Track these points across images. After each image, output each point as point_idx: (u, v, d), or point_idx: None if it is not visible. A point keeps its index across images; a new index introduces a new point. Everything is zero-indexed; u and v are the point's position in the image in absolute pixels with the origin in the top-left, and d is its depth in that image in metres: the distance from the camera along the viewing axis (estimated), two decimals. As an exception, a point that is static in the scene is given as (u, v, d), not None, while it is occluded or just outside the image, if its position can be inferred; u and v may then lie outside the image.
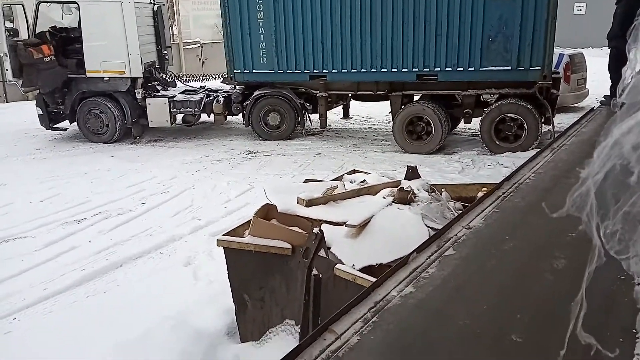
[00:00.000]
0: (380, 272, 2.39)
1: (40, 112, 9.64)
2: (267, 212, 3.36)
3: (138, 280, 4.45)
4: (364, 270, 2.68)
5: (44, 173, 7.77)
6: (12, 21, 9.42)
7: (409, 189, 3.23)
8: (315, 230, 2.82)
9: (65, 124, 9.95)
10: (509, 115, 7.87)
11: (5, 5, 9.38)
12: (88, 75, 9.30)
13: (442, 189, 3.49)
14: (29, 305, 4.11)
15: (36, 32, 9.34)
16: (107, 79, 9.33)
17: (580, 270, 1.32)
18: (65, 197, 6.65)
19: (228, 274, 3.37)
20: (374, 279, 2.22)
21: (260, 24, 8.82)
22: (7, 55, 9.08)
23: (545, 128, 8.02)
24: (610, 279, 1.92)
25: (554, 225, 2.49)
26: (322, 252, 2.82)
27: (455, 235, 2.44)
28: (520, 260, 2.25)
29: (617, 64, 6.88)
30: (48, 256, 4.97)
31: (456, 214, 2.94)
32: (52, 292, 4.30)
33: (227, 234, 3.33)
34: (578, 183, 1.18)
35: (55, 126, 9.88)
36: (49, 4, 9.50)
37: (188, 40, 18.29)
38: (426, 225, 2.89)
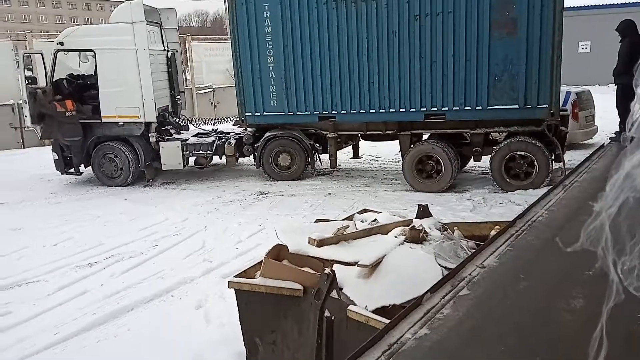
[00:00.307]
0: (394, 313, 2.36)
1: (56, 157, 9.84)
2: (279, 252, 3.35)
3: (149, 324, 4.41)
4: (377, 311, 2.65)
5: (58, 217, 7.85)
6: (30, 69, 9.75)
7: (420, 228, 3.21)
8: (327, 270, 2.80)
9: (79, 168, 10.12)
10: (518, 152, 7.87)
11: (25, 54, 9.76)
12: (103, 120, 9.53)
13: (455, 228, 3.48)
14: (39, 351, 4.08)
15: (54, 80, 9.66)
16: (122, 123, 9.55)
17: (599, 309, 1.29)
18: (78, 240, 6.70)
19: (239, 316, 3.33)
20: (387, 321, 2.19)
21: (271, 68, 9.05)
22: (26, 102, 9.38)
23: (556, 165, 8.00)
24: (630, 317, 1.87)
25: (570, 263, 2.45)
26: (334, 293, 2.79)
27: (470, 274, 2.41)
28: (536, 300, 2.21)
29: (624, 100, 6.94)
30: (60, 300, 4.96)
31: (469, 253, 2.91)
32: (63, 336, 4.26)
33: (238, 275, 3.32)
34: (592, 217, 1.17)
35: (70, 170, 10.06)
36: (66, 52, 9.84)
37: (201, 85, 18.77)
38: (439, 264, 2.86)
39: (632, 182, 1.14)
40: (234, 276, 3.31)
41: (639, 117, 1.33)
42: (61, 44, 9.55)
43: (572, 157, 9.16)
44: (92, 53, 9.58)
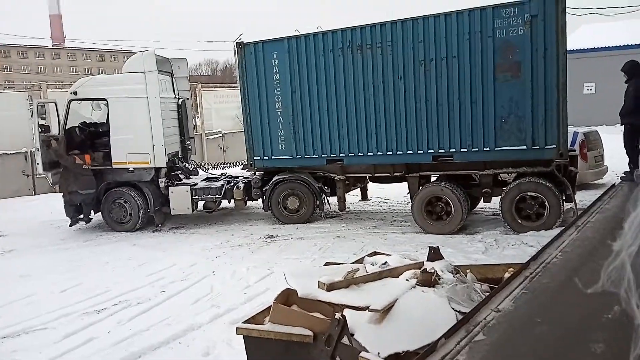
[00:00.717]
0: (408, 359, 2.28)
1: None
2: (288, 297, 3.30)
3: (156, 373, 4.30)
4: (390, 358, 2.57)
5: (67, 263, 7.84)
6: (44, 118, 9.99)
7: (432, 271, 3.15)
8: (338, 315, 2.74)
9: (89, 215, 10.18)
10: (529, 193, 7.82)
11: (39, 104, 10.03)
12: (114, 166, 9.66)
13: (467, 270, 3.41)
14: (44, 402, 3.97)
15: (67, 128, 9.88)
16: (132, 169, 9.67)
17: (622, 355, 1.24)
18: (86, 287, 6.65)
19: (248, 364, 3.24)
20: (401, 368, 2.12)
21: (279, 113, 9.21)
22: (38, 150, 9.57)
23: (567, 205, 7.92)
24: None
25: (588, 306, 2.38)
26: (345, 340, 2.72)
27: (484, 319, 2.34)
28: (555, 345, 2.13)
29: (632, 139, 6.93)
30: (67, 348, 4.87)
31: (483, 296, 2.84)
32: (68, 387, 4.17)
33: (247, 321, 3.26)
34: (612, 256, 1.13)
35: (79, 217, 10.10)
36: (79, 101, 10.10)
37: (210, 131, 19.08)
38: (453, 308, 2.79)
39: None
40: (243, 322, 3.25)
41: None
42: (75, 93, 9.82)
43: (583, 198, 9.06)
44: (104, 102, 9.82)
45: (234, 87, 19.04)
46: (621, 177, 7.12)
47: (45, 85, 17.21)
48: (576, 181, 8.30)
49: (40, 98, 14.37)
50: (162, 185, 9.81)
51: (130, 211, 9.75)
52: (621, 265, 1.09)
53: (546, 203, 7.71)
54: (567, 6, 7.19)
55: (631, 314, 1.12)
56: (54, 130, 10.13)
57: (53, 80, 52.59)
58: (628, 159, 7.02)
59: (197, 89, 18.66)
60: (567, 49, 7.32)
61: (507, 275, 3.08)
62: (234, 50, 9.43)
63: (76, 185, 9.41)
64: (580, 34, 25.26)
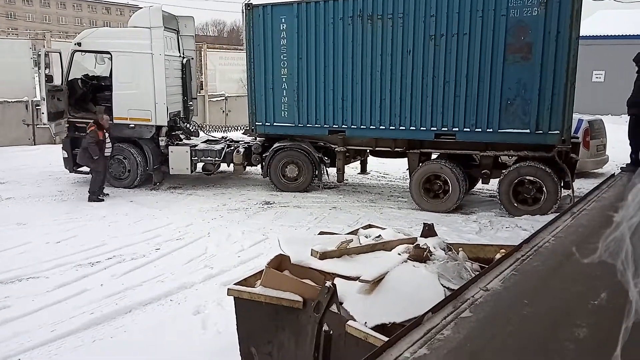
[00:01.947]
0: (394, 331, 2.32)
1: (66, 155, 9.90)
2: (280, 262, 3.33)
3: (146, 328, 4.38)
4: (376, 328, 2.61)
5: (64, 215, 7.88)
6: (47, 67, 9.87)
7: (425, 247, 3.18)
8: (328, 284, 2.77)
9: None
10: (527, 177, 7.82)
11: (45, 52, 9.90)
12: (115, 121, 9.60)
13: (459, 249, 3.44)
14: (35, 347, 4.06)
15: (69, 79, 9.78)
16: (133, 125, 9.61)
17: (604, 340, 1.25)
18: (81, 239, 6.71)
19: (237, 325, 3.30)
20: (386, 339, 2.15)
21: (284, 80, 9.10)
22: (44, 100, 9.50)
23: (564, 192, 7.93)
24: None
25: (575, 292, 2.41)
26: (334, 307, 2.76)
27: (472, 296, 2.37)
28: (539, 327, 2.16)
29: (636, 130, 6.88)
30: (59, 298, 4.95)
31: (473, 275, 2.87)
32: (59, 334, 4.25)
33: (239, 283, 3.30)
34: (612, 227, 1.10)
35: (78, 169, 10.11)
36: (83, 53, 9.96)
37: (213, 93, 18.90)
38: (442, 284, 2.82)
39: None
40: (234, 284, 3.29)
41: None
42: (79, 44, 9.68)
43: (582, 185, 9.08)
44: (108, 55, 9.70)
45: (240, 49, 18.76)
46: (621, 168, 7.10)
47: (49, 34, 16.96)
48: (576, 169, 8.29)
49: (44, 47, 14.19)
50: (162, 144, 9.78)
51: (129, 167, 9.74)
52: (621, 237, 1.07)
53: (544, 188, 7.72)
54: (584, -10, 7.05)
55: (626, 286, 1.11)
56: (57, 81, 10.03)
57: (57, 30, 51.77)
58: (630, 150, 6.98)
59: (202, 49, 18.39)
60: (580, 34, 7.20)
61: (498, 256, 3.10)
62: (242, 11, 9.26)
63: (95, 157, 8.83)
64: (595, 20, 24.78)
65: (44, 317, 4.55)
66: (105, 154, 9.03)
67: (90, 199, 8.82)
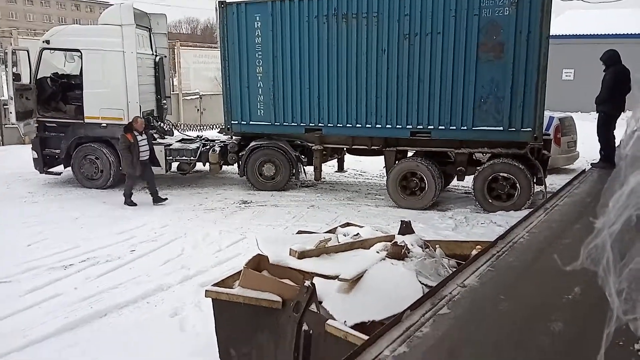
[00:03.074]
0: (373, 329, 2.33)
1: (36, 156, 9.66)
2: (259, 263, 3.31)
3: (122, 331, 4.31)
4: (356, 327, 2.62)
5: (34, 217, 7.68)
6: (15, 65, 9.61)
7: (402, 244, 3.20)
8: (307, 283, 2.77)
9: (59, 168, 9.96)
10: (501, 174, 7.96)
11: (12, 51, 9.62)
12: (86, 121, 9.41)
13: (436, 245, 3.48)
14: (6, 354, 3.94)
15: (37, 78, 9.53)
16: (105, 125, 9.43)
17: (578, 334, 1.28)
18: (53, 242, 6.55)
19: (215, 326, 3.27)
20: (366, 337, 2.17)
21: (259, 78, 9.05)
22: (11, 99, 9.26)
23: (537, 188, 8.10)
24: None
25: (550, 287, 2.46)
26: (313, 307, 2.76)
27: (450, 293, 2.40)
28: (516, 322, 2.20)
29: (605, 127, 7.07)
30: (31, 302, 4.82)
31: (450, 271, 2.91)
32: (32, 340, 4.14)
33: (217, 284, 3.27)
34: (593, 234, 1.11)
35: (49, 170, 9.88)
36: (52, 51, 9.71)
37: (188, 91, 18.67)
38: (420, 282, 2.85)
39: (638, 198, 1.09)
40: (212, 285, 3.26)
41: (635, 135, 1.29)
42: (47, 42, 9.45)
43: (554, 181, 9.29)
44: (78, 53, 9.48)
45: (214, 47, 18.56)
46: (592, 164, 7.29)
47: (16, 32, 16.48)
48: (548, 165, 8.48)
49: (11, 45, 13.77)
50: (135, 143, 9.60)
51: (101, 168, 9.55)
52: (602, 244, 1.09)
53: (517, 184, 7.87)
54: (553, -10, 7.20)
55: (608, 293, 1.13)
56: (25, 80, 9.76)
57: (25, 27, 50.33)
58: (600, 147, 7.17)
59: (175, 47, 18.15)
60: (550, 33, 7.36)
61: (474, 252, 3.15)
62: (216, 9, 9.15)
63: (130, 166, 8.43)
64: (564, 19, 25.33)
65: (15, 323, 4.42)
66: (142, 158, 8.39)
67: (125, 202, 8.44)
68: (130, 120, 8.60)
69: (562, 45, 20.56)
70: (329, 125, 8.77)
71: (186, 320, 4.43)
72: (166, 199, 8.74)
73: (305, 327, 2.76)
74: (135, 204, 8.50)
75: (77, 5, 76.30)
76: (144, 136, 8.54)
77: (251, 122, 9.26)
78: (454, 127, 7.98)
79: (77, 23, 53.43)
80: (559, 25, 22.64)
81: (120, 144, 8.47)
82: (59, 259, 5.93)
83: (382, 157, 8.87)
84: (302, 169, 9.58)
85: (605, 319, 1.20)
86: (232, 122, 9.39)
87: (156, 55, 10.38)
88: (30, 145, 9.95)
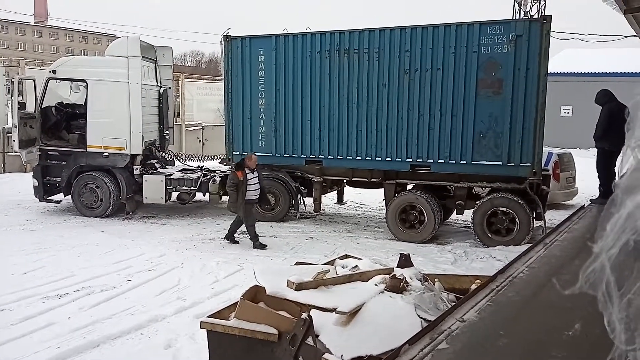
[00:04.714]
0: (370, 363, 2.29)
1: (36, 184, 9.69)
2: (256, 294, 3.27)
3: (114, 363, 4.22)
4: (353, 361, 2.57)
5: (32, 245, 7.63)
6: (21, 94, 9.75)
7: (401, 277, 3.17)
8: (304, 315, 2.73)
9: (59, 196, 9.97)
10: (500, 208, 7.95)
11: (19, 79, 9.78)
12: (88, 149, 9.47)
13: (436, 279, 3.45)
14: (-5, 385, 3.86)
15: (42, 107, 9.65)
16: (107, 154, 9.49)
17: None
18: (49, 270, 6.48)
19: (209, 358, 3.21)
20: (363, 371, 2.12)
21: (261, 110, 9.17)
22: (15, 127, 9.38)
23: (537, 223, 8.08)
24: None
25: (550, 323, 2.42)
26: (309, 340, 2.71)
27: (449, 328, 2.37)
28: (515, 358, 2.16)
29: (604, 163, 7.10)
30: (23, 331, 4.74)
31: (449, 306, 2.87)
32: (22, 371, 4.06)
33: (212, 316, 3.23)
34: (591, 258, 1.10)
35: (49, 198, 9.88)
36: (58, 81, 9.87)
37: (190, 122, 18.87)
38: (419, 315, 2.81)
39: (635, 222, 1.08)
40: (207, 316, 3.22)
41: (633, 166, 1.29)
42: (54, 72, 9.61)
43: (553, 217, 9.26)
44: (84, 83, 9.62)
45: (218, 80, 18.90)
46: (591, 200, 7.29)
47: (24, 62, 16.79)
48: (547, 200, 8.48)
49: (18, 74, 14.01)
50: (136, 172, 9.65)
51: (101, 196, 9.56)
52: (600, 268, 1.08)
53: (517, 219, 7.85)
54: (551, 29, 7.36)
55: (608, 318, 1.10)
56: (30, 108, 9.88)
57: (33, 58, 51.28)
58: (599, 183, 7.19)
59: (180, 79, 18.44)
60: (548, 71, 7.48)
61: (473, 286, 3.12)
62: (221, 43, 9.36)
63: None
64: (562, 57, 25.82)
65: (6, 353, 4.33)
66: (249, 197, 7.64)
67: (254, 246, 7.69)
68: (244, 157, 7.98)
69: (560, 83, 20.88)
70: (329, 157, 8.83)
71: (180, 352, 4.35)
72: (237, 242, 7.96)
73: (301, 360, 2.71)
74: (237, 242, 7.94)
75: (85, 37, 77.94)
76: (255, 174, 7.79)
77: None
78: (454, 161, 8.03)
79: (84, 54, 54.45)
80: (557, 63, 23.09)
81: (228, 181, 7.93)
82: (54, 288, 5.86)
83: (382, 189, 8.88)
84: (302, 200, 9.58)
85: (606, 358, 1.18)
86: (234, 152, 9.45)
87: (161, 87, 10.54)
88: (32, 173, 9.99)
